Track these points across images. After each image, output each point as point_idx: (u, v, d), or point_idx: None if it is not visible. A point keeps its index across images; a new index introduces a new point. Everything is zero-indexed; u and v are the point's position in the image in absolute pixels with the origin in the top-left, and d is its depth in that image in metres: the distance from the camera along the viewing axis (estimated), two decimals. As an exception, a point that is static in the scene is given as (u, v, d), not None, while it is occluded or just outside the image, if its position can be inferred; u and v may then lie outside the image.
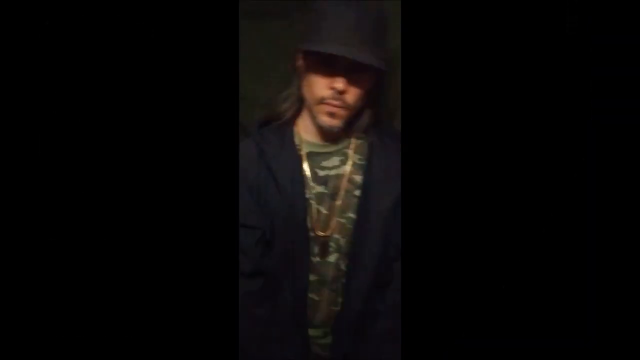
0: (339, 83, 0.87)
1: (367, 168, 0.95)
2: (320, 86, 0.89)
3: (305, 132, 0.97)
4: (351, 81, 0.88)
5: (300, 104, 0.96)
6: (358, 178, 0.95)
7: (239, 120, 0.86)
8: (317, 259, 0.94)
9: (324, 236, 0.93)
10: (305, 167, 0.95)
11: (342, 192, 0.95)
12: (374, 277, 0.93)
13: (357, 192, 0.94)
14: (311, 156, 0.96)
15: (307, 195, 0.94)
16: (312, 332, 0.96)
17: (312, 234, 0.93)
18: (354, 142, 0.97)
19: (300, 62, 0.93)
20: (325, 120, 0.91)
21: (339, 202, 0.94)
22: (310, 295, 0.94)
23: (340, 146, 0.97)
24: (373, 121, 0.97)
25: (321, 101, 0.90)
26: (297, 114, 0.97)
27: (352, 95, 0.89)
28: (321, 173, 0.95)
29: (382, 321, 0.93)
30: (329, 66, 0.87)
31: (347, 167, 0.96)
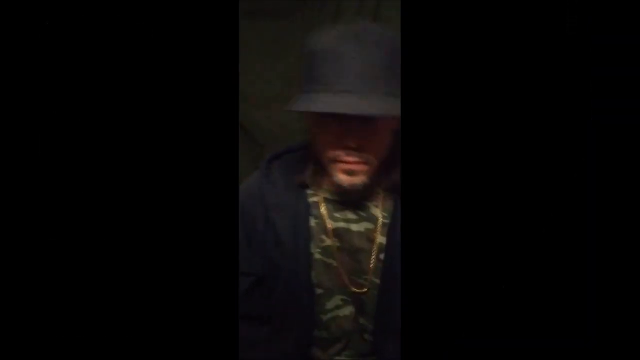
0: (350, 141, 0.74)
1: (391, 227, 0.82)
2: (329, 145, 0.76)
3: (321, 175, 0.83)
4: (366, 133, 0.75)
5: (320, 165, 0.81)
6: (381, 239, 0.83)
7: (239, 121, 0.86)
8: (328, 315, 0.84)
9: (360, 293, 0.82)
10: (315, 216, 0.83)
11: (361, 253, 0.83)
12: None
13: (382, 256, 0.82)
14: (324, 203, 0.84)
15: (313, 251, 0.82)
16: None
17: (324, 292, 0.83)
18: (381, 196, 0.84)
19: (305, 118, 0.80)
20: (344, 180, 0.77)
21: (355, 263, 0.83)
22: (314, 350, 0.86)
23: (361, 199, 0.84)
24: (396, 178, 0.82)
25: (334, 160, 0.77)
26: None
27: (371, 149, 0.76)
28: (333, 225, 0.83)
29: None
30: (333, 121, 0.74)
31: (368, 225, 0.83)
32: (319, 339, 0.85)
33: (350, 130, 0.74)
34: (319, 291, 0.83)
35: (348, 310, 0.84)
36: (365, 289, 0.82)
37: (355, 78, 0.71)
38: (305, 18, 1.36)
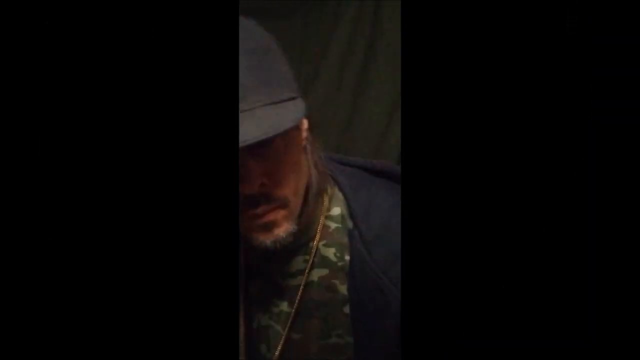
0: (249, 183, 0.59)
1: (351, 267, 0.65)
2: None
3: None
4: (264, 165, 0.60)
5: None
6: (341, 287, 0.66)
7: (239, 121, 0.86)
8: None
9: None
10: (256, 279, 0.68)
11: (320, 309, 0.66)
12: None
13: (346, 309, 0.66)
14: (264, 261, 0.68)
15: (264, 323, 0.67)
16: None
17: None
18: (320, 229, 0.67)
19: None
20: (264, 238, 0.62)
21: (316, 322, 0.66)
22: None
23: (303, 239, 0.68)
24: (324, 182, 0.68)
25: (249, 219, 0.61)
26: None
27: (279, 184, 0.61)
28: (283, 284, 0.67)
29: None
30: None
31: (322, 271, 0.67)
32: None
33: (246, 172, 0.59)
34: None
35: None
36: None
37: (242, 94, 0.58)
38: (305, 18, 1.36)
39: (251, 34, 0.63)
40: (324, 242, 0.67)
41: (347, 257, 0.66)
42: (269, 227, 0.61)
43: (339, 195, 0.69)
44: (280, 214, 0.61)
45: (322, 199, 0.66)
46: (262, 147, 0.58)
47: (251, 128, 0.56)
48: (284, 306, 0.66)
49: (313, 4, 1.36)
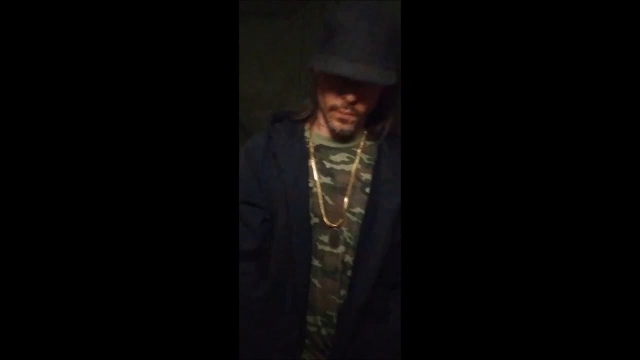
0: (349, 96, 0.92)
1: (375, 167, 1.00)
2: (332, 96, 0.94)
3: (317, 128, 1.03)
4: (361, 93, 0.93)
5: (316, 106, 1.01)
6: (366, 176, 0.99)
7: (239, 120, 0.86)
8: (325, 247, 0.96)
9: (333, 227, 0.96)
10: (312, 158, 1.00)
11: (349, 187, 0.98)
12: (379, 274, 0.95)
13: (367, 189, 0.98)
14: (319, 149, 1.01)
15: (311, 184, 0.97)
16: (310, 319, 0.97)
17: (319, 222, 0.96)
18: (363, 143, 1.02)
19: (313, 72, 0.97)
20: (337, 125, 0.97)
21: (346, 197, 0.97)
22: (313, 280, 0.96)
23: (349, 144, 1.02)
24: (389, 131, 1.02)
25: (333, 108, 0.96)
26: (311, 114, 1.03)
27: (363, 104, 0.95)
28: (328, 165, 0.99)
29: (391, 319, 0.96)
30: (339, 79, 0.91)
31: (355, 165, 1.00)
32: (316, 269, 0.96)
33: (351, 88, 0.92)
34: (315, 220, 0.97)
35: (339, 249, 0.97)
36: (339, 222, 0.97)
37: (362, 50, 0.88)
38: (305, 18, 1.36)
39: (391, 14, 0.92)
40: (361, 149, 1.02)
41: (373, 162, 1.01)
42: (344, 121, 0.96)
43: (377, 137, 1.04)
44: (353, 118, 0.96)
45: (379, 130, 1.03)
46: (367, 83, 0.91)
47: (374, 73, 0.89)
48: (328, 180, 0.99)
49: (313, 4, 1.36)
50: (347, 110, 0.94)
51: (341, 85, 0.92)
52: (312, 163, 0.99)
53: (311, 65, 0.94)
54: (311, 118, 1.03)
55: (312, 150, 1.00)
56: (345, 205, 0.97)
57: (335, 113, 0.96)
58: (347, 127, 0.97)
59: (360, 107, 0.95)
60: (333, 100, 0.94)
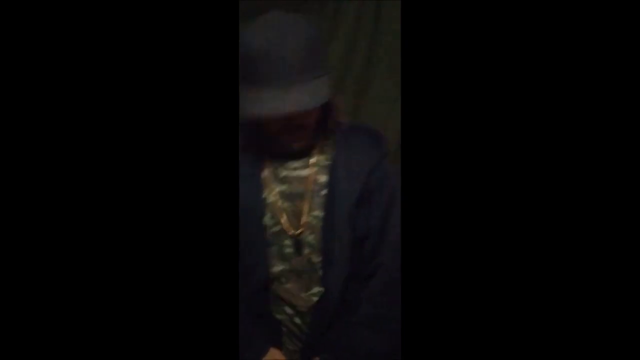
0: (290, 124, 0.88)
1: (331, 167, 0.98)
2: (273, 125, 0.90)
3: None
4: (303, 116, 0.88)
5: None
6: (323, 178, 0.98)
7: (239, 120, 0.86)
8: (291, 250, 0.97)
9: (296, 234, 0.97)
10: (266, 168, 0.98)
11: (308, 193, 0.97)
12: (349, 267, 0.97)
13: (324, 192, 0.97)
14: (273, 157, 0.99)
15: (265, 195, 0.97)
16: (279, 309, 1.00)
17: (280, 229, 0.97)
18: (318, 146, 0.99)
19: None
20: (292, 146, 0.94)
21: (305, 203, 0.97)
22: (286, 285, 0.98)
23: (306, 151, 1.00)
24: (333, 127, 0.99)
25: (280, 133, 0.91)
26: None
27: (309, 120, 0.91)
28: (283, 173, 0.98)
29: (363, 307, 0.97)
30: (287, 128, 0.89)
31: (311, 169, 0.98)
32: (284, 272, 0.98)
33: (288, 117, 0.87)
34: (275, 228, 0.97)
35: (305, 251, 0.98)
36: (300, 230, 0.97)
37: (287, 70, 0.83)
38: (305, 18, 1.36)
39: (305, 23, 0.87)
40: (316, 150, 0.99)
41: (329, 162, 0.99)
42: (296, 140, 0.93)
43: (334, 134, 1.02)
44: (303, 134, 0.92)
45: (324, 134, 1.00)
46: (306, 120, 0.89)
47: (309, 95, 0.85)
48: (285, 187, 0.98)
49: (313, 4, 1.36)
50: (295, 135, 0.92)
51: (278, 121, 0.88)
52: (266, 173, 0.98)
53: (247, 112, 0.86)
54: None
55: (265, 159, 0.98)
56: (306, 210, 0.97)
57: (284, 137, 0.92)
58: (303, 144, 0.95)
59: (307, 123, 0.91)
60: (276, 127, 0.90)
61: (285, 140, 0.93)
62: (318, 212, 0.97)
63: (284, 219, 0.97)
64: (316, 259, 0.97)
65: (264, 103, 0.84)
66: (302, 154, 0.99)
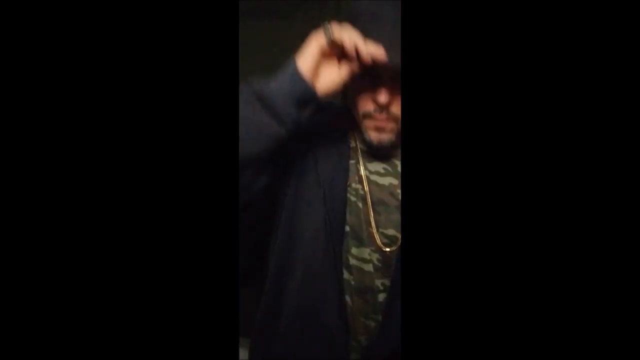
0: (382, 96, 0.80)
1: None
2: (363, 101, 0.83)
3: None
4: (395, 91, 0.81)
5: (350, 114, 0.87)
6: (399, 191, 0.87)
7: (363, 110, 0.83)
8: (354, 261, 0.87)
9: (386, 251, 0.85)
10: (352, 157, 0.88)
11: (381, 204, 0.87)
12: None
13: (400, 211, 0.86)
14: (358, 151, 0.89)
15: (348, 188, 0.87)
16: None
17: (349, 230, 0.86)
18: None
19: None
20: (373, 136, 0.84)
21: (375, 215, 0.86)
22: (345, 296, 0.87)
23: (391, 154, 0.89)
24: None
25: (366, 116, 0.83)
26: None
27: (399, 106, 0.81)
28: (362, 172, 0.88)
29: None
30: (370, 77, 0.80)
31: (392, 179, 0.88)
32: (346, 283, 0.87)
33: (382, 86, 0.80)
34: (347, 229, 0.86)
35: (370, 267, 0.87)
36: (394, 248, 0.85)
37: (391, 31, 0.76)
38: (305, 18, 1.36)
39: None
40: (400, 159, 0.88)
41: None
42: (380, 130, 0.83)
43: None
44: (391, 125, 0.82)
45: None
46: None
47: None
48: (360, 189, 0.87)
49: (313, 4, 1.36)
50: (382, 116, 0.81)
51: (370, 84, 0.80)
52: (351, 163, 0.88)
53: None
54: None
55: (354, 149, 0.88)
56: (374, 223, 0.86)
57: (369, 122, 0.83)
58: (386, 137, 0.83)
59: (396, 109, 0.81)
60: (364, 107, 0.82)
61: (371, 130, 0.82)
62: (393, 232, 0.85)
63: (362, 222, 0.84)
64: (380, 284, 0.86)
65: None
66: (384, 154, 0.87)
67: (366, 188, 0.87)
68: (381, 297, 0.86)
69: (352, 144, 0.90)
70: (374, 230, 0.86)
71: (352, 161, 0.89)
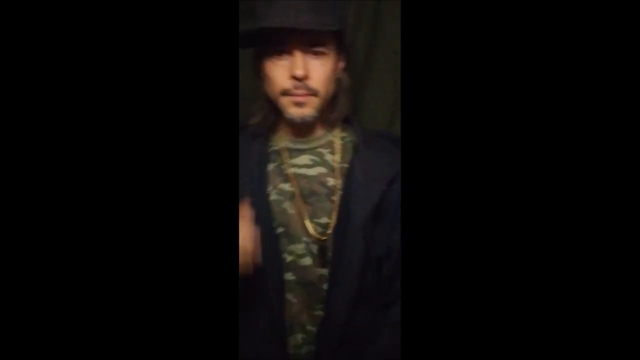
0: (298, 69, 0.81)
1: (348, 171, 0.89)
2: (278, 78, 0.84)
3: (282, 130, 0.92)
4: (311, 63, 0.83)
5: (270, 108, 0.89)
6: (333, 181, 0.89)
7: (239, 120, 0.85)
8: (293, 258, 0.88)
9: (322, 239, 0.87)
10: (271, 163, 0.90)
11: (313, 195, 0.89)
12: (358, 288, 0.86)
13: (333, 197, 0.88)
14: (281, 151, 0.91)
15: (269, 191, 0.88)
16: (291, 340, 0.88)
17: (283, 231, 0.88)
18: (331, 142, 0.91)
19: (255, 59, 0.87)
20: (293, 112, 0.85)
21: (309, 206, 0.88)
22: (288, 296, 0.87)
23: (314, 144, 0.91)
24: (349, 110, 0.91)
25: (284, 94, 0.84)
26: (275, 119, 0.91)
27: (317, 79, 0.84)
28: (288, 170, 0.89)
29: (385, 338, 0.87)
30: (282, 52, 0.82)
31: (321, 169, 0.90)
32: (289, 283, 0.88)
33: (297, 61, 0.82)
34: (280, 230, 0.88)
35: (309, 260, 0.88)
36: (326, 237, 0.87)
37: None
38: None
39: None
40: (329, 150, 0.91)
41: (345, 165, 0.89)
42: (300, 105, 0.84)
43: (353, 136, 0.93)
44: (311, 99, 0.84)
45: (339, 121, 0.92)
46: (319, 42, 0.82)
47: (317, 21, 0.78)
48: (287, 187, 0.88)
49: (313, 4, 1.36)
50: (301, 91, 0.83)
51: (286, 58, 0.82)
52: (272, 167, 0.90)
53: (247, 29, 0.81)
54: (276, 123, 0.91)
55: (276, 152, 0.90)
56: (308, 215, 0.87)
57: (287, 99, 0.84)
58: (307, 112, 0.84)
59: (314, 83, 0.83)
60: (281, 82, 0.83)
61: (291, 106, 0.84)
62: (325, 219, 0.87)
63: (287, 220, 0.87)
64: (324, 271, 0.87)
65: (273, 16, 0.78)
66: (309, 147, 0.89)
67: (295, 184, 0.89)
68: (324, 286, 0.88)
69: (274, 147, 0.92)
70: (309, 222, 0.88)
71: (274, 164, 0.90)
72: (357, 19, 1.35)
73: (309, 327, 0.88)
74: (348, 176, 0.89)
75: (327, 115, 0.90)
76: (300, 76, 0.82)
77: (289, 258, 0.88)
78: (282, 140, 0.92)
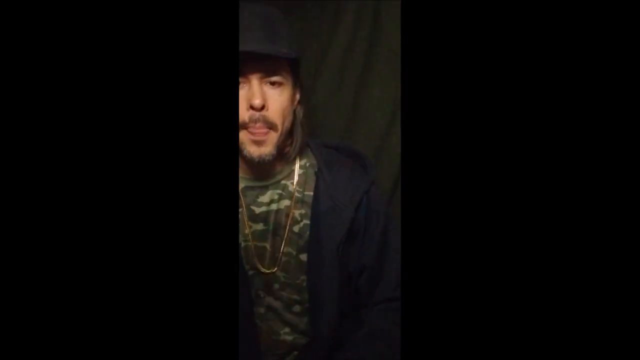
0: (256, 98, 0.81)
1: (313, 200, 0.90)
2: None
3: (241, 168, 0.90)
4: (268, 93, 0.83)
5: None
6: (297, 213, 0.90)
7: (239, 120, 0.86)
8: (263, 294, 0.92)
9: (267, 273, 0.90)
10: (241, 209, 0.89)
11: (282, 229, 0.90)
12: (339, 307, 0.90)
13: (296, 229, 0.90)
14: (245, 193, 0.90)
15: (243, 235, 0.89)
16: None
17: (254, 272, 0.90)
18: (294, 173, 0.92)
19: None
20: (253, 151, 0.84)
21: (278, 239, 0.90)
22: (260, 324, 0.91)
23: (276, 178, 0.92)
24: (306, 141, 0.92)
25: (243, 127, 0.83)
26: None
27: (274, 110, 0.83)
28: (257, 210, 0.90)
29: (353, 348, 0.90)
30: (239, 81, 0.82)
31: (286, 202, 0.91)
32: (260, 315, 0.91)
33: (254, 90, 0.81)
34: (250, 272, 0.90)
35: (285, 292, 0.92)
36: (275, 269, 0.90)
37: (263, 29, 0.81)
38: (305, 18, 1.36)
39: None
40: (291, 181, 0.91)
41: (310, 193, 0.90)
42: (259, 143, 0.83)
43: (313, 160, 0.93)
44: (269, 136, 0.83)
45: (298, 152, 0.91)
46: (275, 83, 0.83)
47: (277, 47, 0.79)
48: (260, 226, 0.90)
49: (312, 4, 1.36)
50: (259, 125, 0.82)
51: (243, 88, 0.82)
52: (241, 210, 0.89)
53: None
54: None
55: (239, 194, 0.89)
56: (282, 248, 0.89)
57: (246, 135, 0.83)
58: (266, 151, 0.84)
59: (272, 115, 0.83)
60: (239, 114, 0.82)
61: (249, 144, 0.83)
62: (291, 250, 0.90)
63: (256, 260, 0.89)
64: (299, 297, 0.90)
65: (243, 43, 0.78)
66: (272, 181, 0.89)
67: (256, 226, 0.90)
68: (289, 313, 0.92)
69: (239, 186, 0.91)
70: (279, 254, 0.90)
71: (240, 209, 0.89)
72: (357, 19, 1.35)
73: (279, 351, 0.92)
74: (314, 206, 0.89)
75: (285, 149, 0.90)
76: (258, 106, 0.81)
77: (261, 294, 0.92)
78: (244, 180, 0.91)
